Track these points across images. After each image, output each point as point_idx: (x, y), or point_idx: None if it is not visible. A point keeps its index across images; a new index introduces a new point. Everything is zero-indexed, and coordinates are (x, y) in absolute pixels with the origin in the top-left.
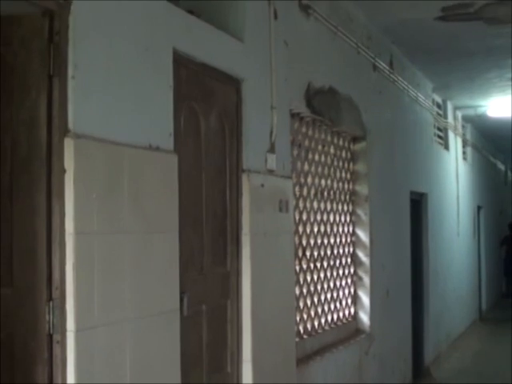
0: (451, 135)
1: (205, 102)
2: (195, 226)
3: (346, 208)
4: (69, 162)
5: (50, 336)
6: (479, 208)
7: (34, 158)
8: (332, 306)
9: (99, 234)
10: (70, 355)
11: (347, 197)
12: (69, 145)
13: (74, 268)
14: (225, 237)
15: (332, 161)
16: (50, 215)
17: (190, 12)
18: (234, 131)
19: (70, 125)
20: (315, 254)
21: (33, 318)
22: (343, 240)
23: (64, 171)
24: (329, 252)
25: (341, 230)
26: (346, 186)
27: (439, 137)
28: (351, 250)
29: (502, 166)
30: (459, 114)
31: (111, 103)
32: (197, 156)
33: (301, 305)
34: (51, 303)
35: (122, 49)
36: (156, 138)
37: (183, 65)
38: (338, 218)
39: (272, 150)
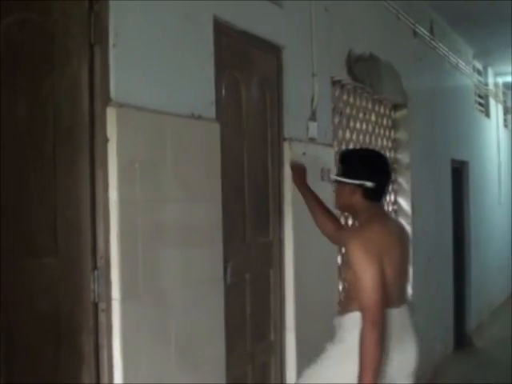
0: (492, 102)
1: (245, 71)
2: (237, 195)
3: None
4: (111, 131)
5: (95, 305)
6: None
7: (77, 127)
8: None
9: (143, 202)
10: (116, 323)
11: None
12: (111, 113)
13: (119, 237)
14: (267, 206)
15: (373, 128)
16: (94, 184)
17: None
18: (275, 99)
19: (112, 93)
20: None
21: (78, 287)
22: (385, 208)
23: (107, 140)
24: None
25: None
26: (387, 154)
27: (480, 104)
28: None
29: None
30: (500, 80)
31: (153, 72)
32: (238, 124)
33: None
34: (96, 272)
35: (162, 17)
36: (198, 106)
37: (224, 33)
38: None
39: (313, 117)
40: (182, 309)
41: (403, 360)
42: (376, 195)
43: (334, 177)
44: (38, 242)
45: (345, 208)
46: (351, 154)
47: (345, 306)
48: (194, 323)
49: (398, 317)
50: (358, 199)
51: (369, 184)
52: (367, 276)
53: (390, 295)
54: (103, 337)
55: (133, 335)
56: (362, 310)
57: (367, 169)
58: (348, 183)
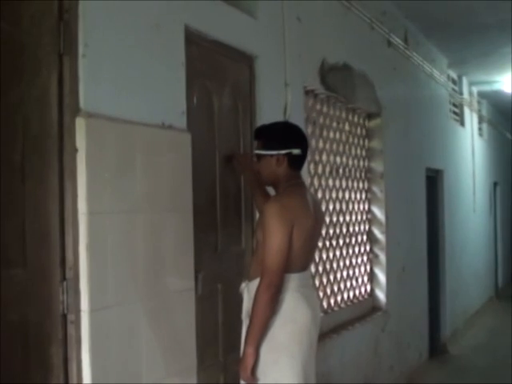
0: (467, 111)
1: (217, 80)
2: (209, 205)
3: (361, 185)
4: (81, 142)
5: (64, 316)
6: (495, 184)
7: (46, 137)
8: (348, 284)
9: (112, 213)
10: (85, 335)
11: (362, 174)
12: (80, 124)
13: (88, 248)
14: (239, 216)
15: (347, 138)
16: (63, 195)
17: None
18: (248, 109)
19: (82, 104)
20: (331, 231)
21: (46, 298)
22: (359, 217)
23: (76, 150)
24: (344, 230)
25: (356, 207)
26: (361, 163)
27: (455, 113)
28: (367, 227)
29: None
30: (475, 89)
31: (123, 82)
32: (210, 134)
33: (317, 283)
34: (65, 283)
35: (133, 26)
36: (169, 116)
37: (195, 42)
38: (353, 196)
39: None
40: (152, 319)
41: (314, 313)
42: (300, 162)
43: (260, 151)
44: (6, 253)
45: (269, 181)
46: (269, 128)
47: (254, 272)
48: (164, 334)
49: (302, 279)
50: (284, 169)
51: (296, 151)
52: (274, 240)
53: (296, 261)
54: (72, 349)
55: (102, 347)
56: (262, 270)
57: (290, 137)
58: (274, 154)
